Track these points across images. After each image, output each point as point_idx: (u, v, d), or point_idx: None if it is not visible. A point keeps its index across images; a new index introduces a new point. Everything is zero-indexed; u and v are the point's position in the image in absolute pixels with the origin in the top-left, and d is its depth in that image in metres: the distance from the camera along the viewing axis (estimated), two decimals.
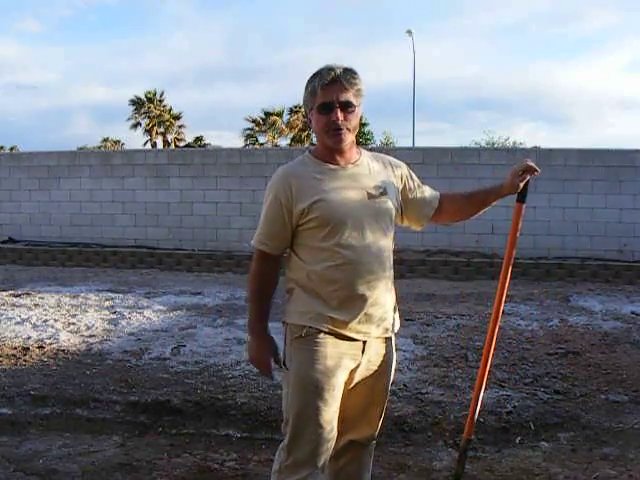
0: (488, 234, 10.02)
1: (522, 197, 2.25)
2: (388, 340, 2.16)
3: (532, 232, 10.00)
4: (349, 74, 2.01)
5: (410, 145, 27.70)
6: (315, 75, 2.02)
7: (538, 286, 8.60)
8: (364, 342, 2.06)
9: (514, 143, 33.64)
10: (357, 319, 2.01)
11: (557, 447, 3.36)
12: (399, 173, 2.20)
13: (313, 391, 1.99)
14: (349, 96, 2.00)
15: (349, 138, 2.04)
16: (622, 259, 9.69)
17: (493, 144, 32.41)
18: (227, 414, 3.78)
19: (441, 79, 73.18)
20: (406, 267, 9.29)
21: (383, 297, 2.08)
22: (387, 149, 19.07)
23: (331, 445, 2.06)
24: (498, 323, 2.34)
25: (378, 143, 39.13)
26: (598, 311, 6.81)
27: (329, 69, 2.00)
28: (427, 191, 2.27)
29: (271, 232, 2.04)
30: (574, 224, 9.97)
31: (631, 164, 9.88)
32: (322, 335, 2.00)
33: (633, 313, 6.70)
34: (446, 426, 3.58)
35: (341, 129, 2.00)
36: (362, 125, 40.02)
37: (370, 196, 2.05)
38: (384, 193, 2.08)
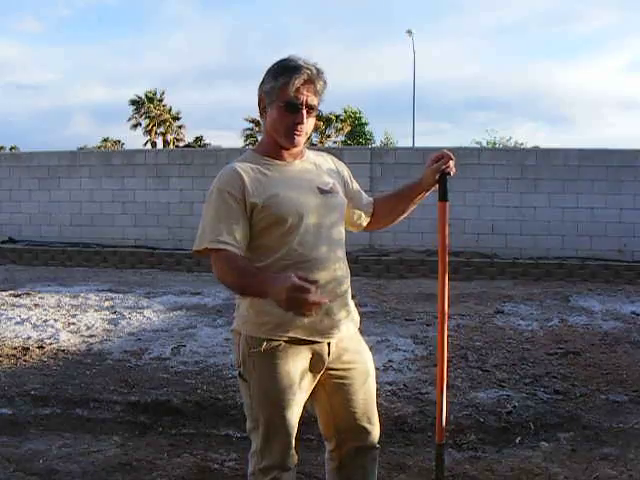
0: (488, 234, 10.02)
1: (443, 195, 2.12)
2: (354, 335, 2.11)
3: (532, 232, 10.02)
4: (322, 77, 1.95)
5: (410, 145, 27.70)
6: (290, 68, 1.91)
7: (538, 286, 8.60)
8: (328, 343, 1.99)
9: (515, 143, 33.62)
10: (318, 320, 1.93)
11: (557, 447, 3.36)
12: (343, 173, 2.16)
13: (279, 404, 1.96)
14: (316, 100, 1.96)
15: (304, 139, 1.99)
16: (622, 259, 9.69)
17: (494, 144, 32.38)
18: (227, 414, 3.78)
19: (441, 79, 73.36)
20: (406, 267, 9.27)
21: (341, 292, 2.03)
22: (387, 149, 19.06)
23: (293, 443, 2.04)
24: (446, 326, 2.22)
25: (378, 143, 39.12)
26: (598, 311, 6.81)
27: (306, 67, 1.91)
28: (364, 195, 2.24)
29: (229, 227, 1.86)
30: (574, 224, 9.97)
31: (631, 164, 9.88)
32: (283, 346, 1.93)
33: (633, 313, 6.71)
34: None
35: (302, 132, 1.95)
36: (362, 125, 40.05)
37: (321, 191, 1.99)
38: (334, 188, 2.04)
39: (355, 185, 2.21)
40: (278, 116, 1.93)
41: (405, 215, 2.26)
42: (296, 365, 1.95)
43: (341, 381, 2.07)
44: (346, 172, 2.19)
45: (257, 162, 1.97)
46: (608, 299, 7.60)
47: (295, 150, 2.01)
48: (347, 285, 2.07)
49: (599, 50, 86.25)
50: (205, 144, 41.79)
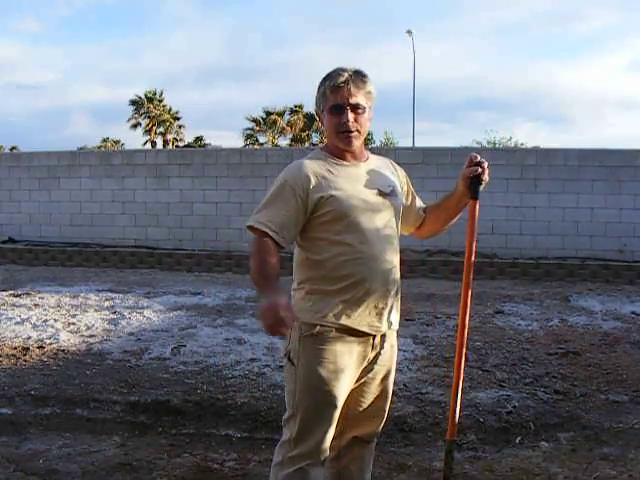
0: (488, 234, 10.01)
1: (474, 194, 2.16)
2: (392, 335, 2.20)
3: (532, 232, 10.01)
4: (359, 76, 2.06)
5: (410, 145, 27.70)
6: (326, 77, 2.06)
7: (538, 286, 8.60)
8: (373, 337, 2.09)
9: (516, 143, 33.62)
10: (369, 313, 2.04)
11: (557, 447, 3.36)
12: (401, 176, 2.26)
13: (323, 390, 2.02)
14: (359, 98, 2.05)
15: (359, 140, 2.09)
16: (622, 259, 9.68)
17: (494, 144, 32.37)
18: (227, 414, 3.78)
19: (441, 79, 73.33)
20: (406, 267, 9.19)
21: (393, 292, 2.12)
22: (387, 149, 19.06)
23: (331, 438, 2.09)
24: (467, 324, 2.30)
25: (378, 143, 39.08)
26: (598, 311, 6.80)
27: (340, 71, 2.05)
28: (418, 199, 2.33)
29: (280, 218, 1.98)
30: (574, 224, 9.97)
31: (631, 164, 9.88)
32: (333, 333, 2.02)
33: (633, 313, 6.70)
34: (446, 426, 3.57)
35: (352, 131, 2.04)
36: None
37: (381, 193, 2.10)
38: (393, 191, 2.14)
39: (411, 189, 2.30)
40: (327, 121, 2.08)
41: (450, 224, 2.31)
42: (343, 354, 2.03)
43: (372, 376, 2.16)
44: (404, 175, 2.28)
45: (324, 160, 2.09)
46: (608, 299, 7.60)
47: (356, 152, 2.11)
48: (398, 285, 2.16)
49: (599, 50, 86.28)
50: (205, 144, 41.75)
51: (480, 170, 2.11)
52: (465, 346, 2.29)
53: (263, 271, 1.92)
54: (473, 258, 2.23)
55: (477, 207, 2.18)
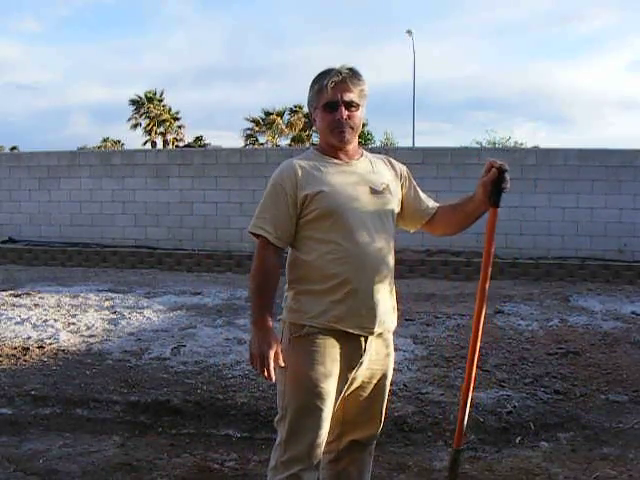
0: None
1: (494, 201, 1.99)
2: (387, 337, 2.17)
3: (532, 232, 10.02)
4: (354, 75, 2.07)
5: (410, 145, 27.69)
6: (321, 75, 2.07)
7: (538, 286, 8.60)
8: (365, 339, 2.06)
9: (515, 143, 33.61)
10: (358, 314, 2.01)
11: (557, 447, 3.36)
12: (399, 173, 2.22)
13: (311, 391, 2.00)
14: (353, 96, 2.06)
15: (352, 136, 2.09)
16: (622, 259, 9.69)
17: (494, 144, 32.38)
18: (227, 414, 3.78)
19: (441, 79, 73.34)
20: (406, 267, 9.27)
21: (384, 292, 2.09)
22: (387, 149, 19.06)
23: (324, 442, 2.07)
24: (480, 332, 2.18)
25: (378, 143, 39.10)
26: (598, 311, 6.81)
27: (334, 70, 2.05)
28: (424, 198, 2.26)
29: (272, 218, 2.00)
30: (574, 224, 9.97)
31: (631, 164, 9.88)
32: (322, 334, 2.00)
33: (633, 313, 6.71)
34: (446, 426, 3.58)
35: (345, 127, 2.04)
36: (362, 125, 40.03)
37: (373, 192, 2.07)
38: (387, 190, 2.11)
39: (414, 185, 2.26)
40: (321, 118, 2.08)
41: (465, 227, 2.19)
42: (332, 355, 2.01)
43: (367, 379, 2.14)
44: (405, 172, 2.25)
45: (315, 159, 2.09)
46: (608, 299, 7.60)
47: (350, 149, 2.11)
48: (392, 284, 2.14)
49: (599, 50, 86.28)
50: (205, 144, 41.73)
51: (500, 175, 1.96)
52: (477, 355, 2.24)
53: (265, 292, 1.99)
54: (490, 264, 2.08)
55: (496, 215, 2.02)
